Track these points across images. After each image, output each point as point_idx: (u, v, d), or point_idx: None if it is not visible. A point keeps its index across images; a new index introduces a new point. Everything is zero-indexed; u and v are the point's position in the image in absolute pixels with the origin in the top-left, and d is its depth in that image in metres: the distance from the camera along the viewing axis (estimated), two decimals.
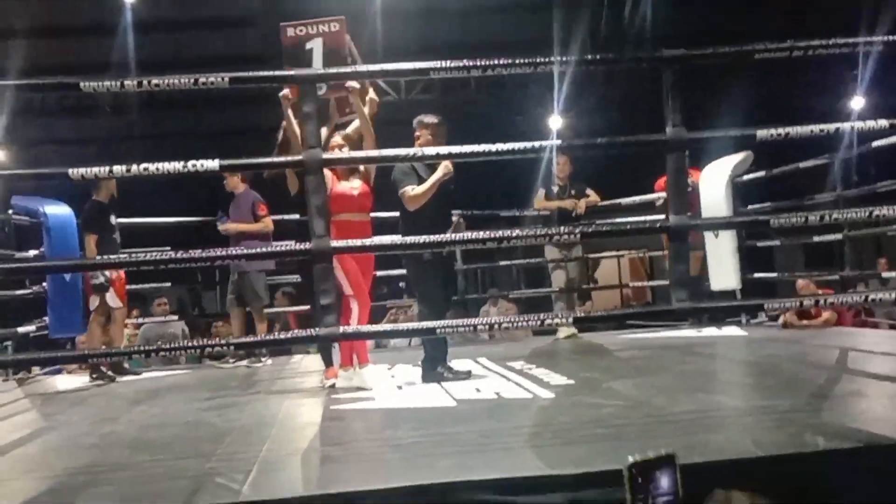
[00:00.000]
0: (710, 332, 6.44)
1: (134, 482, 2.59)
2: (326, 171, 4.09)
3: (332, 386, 4.50)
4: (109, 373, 5.66)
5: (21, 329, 6.15)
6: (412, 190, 4.47)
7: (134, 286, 6.86)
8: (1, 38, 9.79)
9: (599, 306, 9.60)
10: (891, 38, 3.61)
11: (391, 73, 4.35)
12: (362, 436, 3.25)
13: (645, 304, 12.46)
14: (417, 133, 4.56)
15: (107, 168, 3.30)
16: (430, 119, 4.57)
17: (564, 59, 3.55)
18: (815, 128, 3.46)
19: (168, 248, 5.42)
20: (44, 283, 6.14)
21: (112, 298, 5.73)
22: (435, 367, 4.48)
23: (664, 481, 1.47)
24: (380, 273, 5.55)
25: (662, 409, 3.25)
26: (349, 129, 4.81)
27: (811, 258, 11.18)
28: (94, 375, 5.63)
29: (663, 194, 6.30)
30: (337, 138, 4.69)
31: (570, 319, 5.28)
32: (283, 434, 3.32)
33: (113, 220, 5.87)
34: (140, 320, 7.87)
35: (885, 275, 7.02)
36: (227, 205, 6.42)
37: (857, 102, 11.89)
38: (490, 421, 3.24)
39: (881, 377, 3.80)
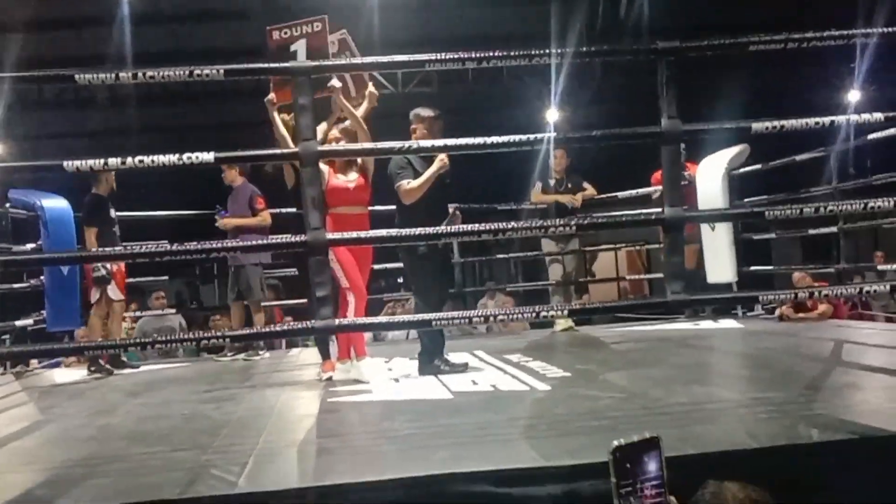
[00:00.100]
0: (707, 324, 6.45)
1: (131, 474, 2.60)
2: (323, 165, 4.10)
3: (329, 379, 4.51)
4: (107, 366, 5.67)
5: (19, 322, 6.15)
6: (408, 183, 4.47)
7: (132, 280, 6.88)
8: None
9: (597, 300, 9.61)
10: (886, 30, 3.62)
11: (388, 65, 4.35)
12: (359, 428, 3.26)
13: (642, 297, 12.47)
14: (414, 126, 4.57)
15: (102, 160, 3.30)
16: (427, 112, 4.57)
17: (561, 51, 3.56)
18: (811, 121, 3.48)
19: (165, 241, 5.42)
20: (41, 277, 6.14)
21: (113, 291, 5.78)
22: (432, 360, 4.49)
23: (650, 465, 1.46)
24: (377, 266, 5.55)
25: (658, 400, 3.27)
26: (347, 123, 4.82)
27: (808, 252, 11.22)
28: (93, 369, 5.64)
29: (660, 187, 6.30)
30: (334, 132, 4.70)
31: (566, 311, 5.28)
32: (279, 426, 3.34)
33: (113, 213, 5.91)
34: (138, 314, 7.90)
35: (880, 267, 7.02)
36: (225, 198, 6.42)
37: (854, 95, 11.91)
38: (486, 413, 3.25)
39: (876, 369, 3.82)
